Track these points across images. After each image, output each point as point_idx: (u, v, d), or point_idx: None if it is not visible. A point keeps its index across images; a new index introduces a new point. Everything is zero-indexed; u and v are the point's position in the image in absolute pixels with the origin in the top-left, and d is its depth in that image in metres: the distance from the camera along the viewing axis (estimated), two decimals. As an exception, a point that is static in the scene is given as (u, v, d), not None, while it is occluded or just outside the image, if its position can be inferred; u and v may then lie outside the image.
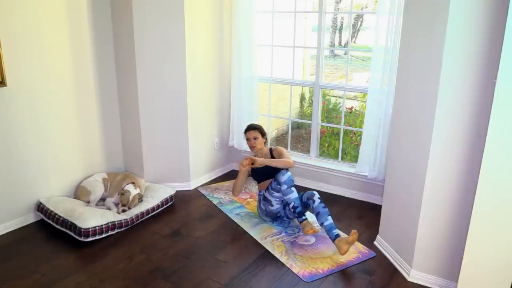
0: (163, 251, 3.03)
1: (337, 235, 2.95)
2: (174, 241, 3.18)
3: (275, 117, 5.57)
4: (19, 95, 3.16)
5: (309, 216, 3.53)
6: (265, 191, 3.37)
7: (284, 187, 3.20)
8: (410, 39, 2.66)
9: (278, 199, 3.28)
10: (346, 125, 5.09)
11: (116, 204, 3.53)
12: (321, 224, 3.04)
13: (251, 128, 3.58)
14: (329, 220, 3.01)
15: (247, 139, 3.57)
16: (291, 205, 3.20)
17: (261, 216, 3.47)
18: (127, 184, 3.56)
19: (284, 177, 3.21)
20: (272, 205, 3.32)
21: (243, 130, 4.36)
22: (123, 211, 3.42)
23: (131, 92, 3.81)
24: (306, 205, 3.24)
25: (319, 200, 3.11)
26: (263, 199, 3.38)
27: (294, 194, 3.20)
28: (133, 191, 3.50)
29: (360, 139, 3.83)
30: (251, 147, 3.56)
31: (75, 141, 3.65)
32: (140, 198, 3.55)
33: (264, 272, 2.82)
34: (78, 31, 3.49)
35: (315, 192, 3.21)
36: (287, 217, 3.36)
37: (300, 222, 3.25)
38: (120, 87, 3.89)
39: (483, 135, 2.13)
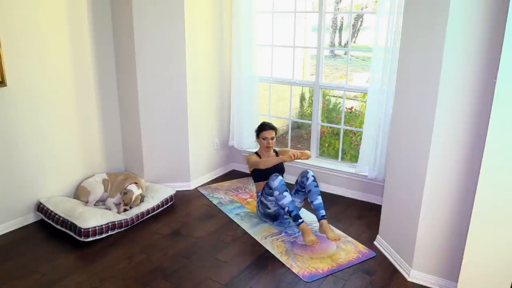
0: (163, 251, 3.03)
1: (323, 216, 3.16)
2: (174, 241, 3.18)
3: (275, 117, 5.55)
4: (19, 95, 3.16)
5: (306, 215, 3.53)
6: (261, 195, 3.35)
7: (276, 193, 3.15)
8: (410, 39, 2.65)
9: (273, 202, 3.27)
10: (346, 125, 5.09)
11: (117, 204, 3.53)
12: (311, 202, 3.22)
13: (269, 127, 3.48)
14: (319, 200, 3.20)
15: (264, 138, 3.46)
16: (285, 209, 3.14)
17: (261, 217, 3.48)
18: (130, 184, 3.56)
19: (275, 182, 3.15)
20: (269, 208, 3.32)
21: (243, 130, 4.38)
22: (125, 210, 3.43)
23: (131, 92, 3.81)
24: (301, 185, 3.32)
25: (313, 178, 3.27)
26: (261, 203, 3.38)
27: (287, 199, 3.13)
28: (136, 191, 3.50)
29: (360, 139, 3.83)
30: (267, 147, 3.48)
31: (75, 141, 3.65)
32: (141, 199, 3.55)
33: (264, 272, 2.82)
34: (78, 31, 3.49)
35: (309, 170, 3.33)
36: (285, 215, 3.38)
37: (298, 225, 3.10)
38: (120, 87, 3.89)
39: (483, 135, 2.13)
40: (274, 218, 3.40)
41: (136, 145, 3.95)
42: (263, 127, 3.49)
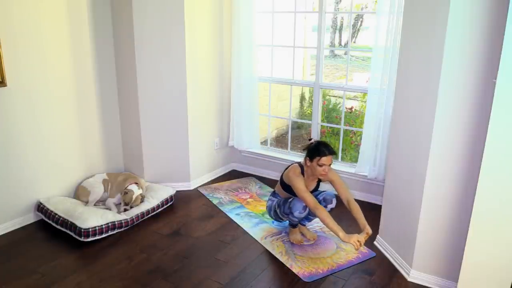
0: (163, 251, 3.04)
1: (305, 225, 3.26)
2: (174, 241, 3.18)
3: (275, 117, 5.56)
4: (19, 95, 3.16)
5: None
6: (277, 206, 3.14)
7: (290, 216, 3.02)
8: (410, 39, 2.65)
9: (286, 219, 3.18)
10: (346, 125, 5.09)
11: (117, 205, 3.53)
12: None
13: (329, 151, 2.82)
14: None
15: (321, 165, 2.80)
16: (290, 222, 3.18)
17: (268, 214, 3.34)
18: (131, 184, 3.56)
19: (300, 215, 2.98)
20: (281, 219, 3.24)
21: (243, 130, 4.37)
22: (125, 210, 3.43)
23: (131, 92, 3.81)
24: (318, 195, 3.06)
25: (330, 209, 3.03)
26: (274, 211, 3.20)
27: (297, 220, 3.09)
28: (136, 191, 3.50)
29: (360, 139, 3.83)
30: (321, 174, 2.88)
31: (75, 141, 3.65)
32: (142, 199, 3.55)
33: (264, 272, 2.82)
34: (78, 31, 3.49)
35: (334, 200, 3.03)
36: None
37: (292, 227, 3.20)
38: (120, 87, 3.89)
39: (483, 135, 2.13)
40: (279, 220, 3.35)
41: (136, 145, 3.95)
42: (322, 152, 2.80)
